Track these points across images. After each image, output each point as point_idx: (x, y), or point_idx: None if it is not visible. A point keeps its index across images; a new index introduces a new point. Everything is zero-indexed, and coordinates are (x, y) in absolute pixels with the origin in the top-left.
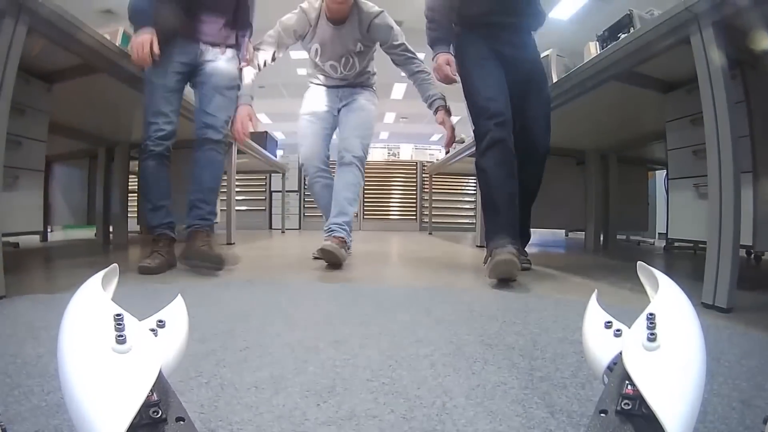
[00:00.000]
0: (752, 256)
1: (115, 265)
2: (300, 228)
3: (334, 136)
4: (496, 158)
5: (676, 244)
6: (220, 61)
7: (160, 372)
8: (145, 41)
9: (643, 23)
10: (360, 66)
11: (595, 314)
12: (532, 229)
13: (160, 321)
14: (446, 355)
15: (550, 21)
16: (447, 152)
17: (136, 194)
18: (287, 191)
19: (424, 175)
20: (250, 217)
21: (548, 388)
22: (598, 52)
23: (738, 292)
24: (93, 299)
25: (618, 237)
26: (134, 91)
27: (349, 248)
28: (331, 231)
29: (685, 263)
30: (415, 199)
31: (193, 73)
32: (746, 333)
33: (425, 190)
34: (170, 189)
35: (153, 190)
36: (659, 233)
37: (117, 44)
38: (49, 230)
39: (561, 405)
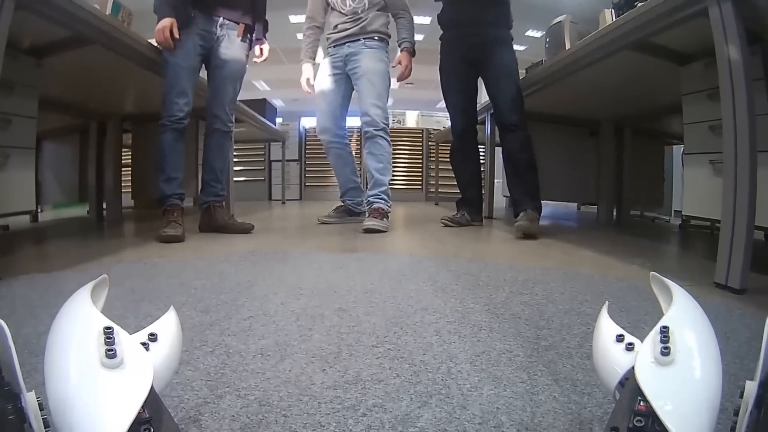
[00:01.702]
0: None
1: (105, 276)
2: (301, 198)
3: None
4: (458, 158)
5: (692, 222)
6: (234, 45)
7: (152, 388)
8: (165, 26)
9: None
10: (368, 1)
11: (606, 327)
12: (543, 201)
13: (152, 334)
14: (451, 323)
15: None
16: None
17: (129, 168)
18: (287, 160)
19: (430, 143)
20: (248, 188)
21: (553, 356)
22: (614, 19)
23: (752, 274)
24: (81, 312)
25: (632, 213)
26: (126, 61)
27: (389, 212)
28: (370, 203)
29: (700, 242)
30: (421, 168)
31: (209, 54)
32: (757, 315)
33: (431, 158)
34: (183, 162)
35: (169, 162)
36: (675, 210)
37: (107, 13)
38: (39, 210)
39: (565, 373)
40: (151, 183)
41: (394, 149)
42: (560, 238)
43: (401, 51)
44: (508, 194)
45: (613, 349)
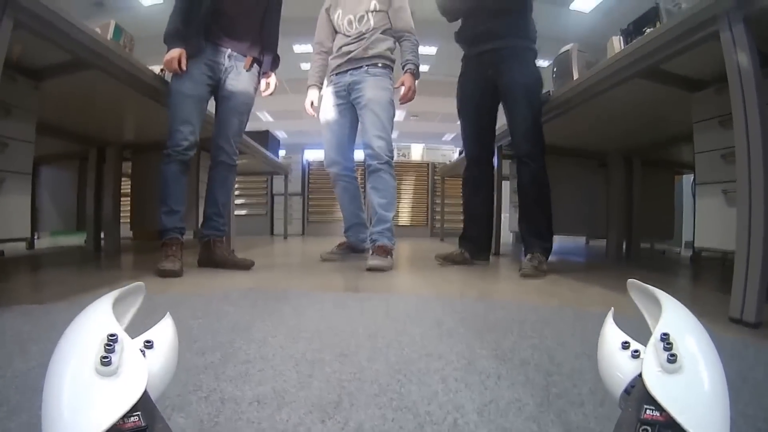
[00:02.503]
0: None
1: (141, 283)
2: (303, 233)
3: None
4: (468, 189)
5: (703, 254)
6: (242, 77)
7: (148, 396)
8: (174, 57)
9: (669, 17)
10: (374, 23)
11: (611, 334)
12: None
13: (148, 341)
14: (458, 370)
15: (570, 14)
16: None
17: (129, 198)
18: (290, 194)
19: (435, 178)
20: (250, 222)
21: (564, 405)
22: (622, 47)
23: None
24: (93, 317)
25: (642, 245)
26: (128, 88)
27: (393, 249)
28: (374, 241)
29: (712, 275)
30: (427, 203)
31: (217, 86)
32: None
33: (437, 193)
34: (186, 196)
35: (172, 195)
36: (686, 242)
37: (108, 38)
38: (35, 237)
39: (578, 423)
40: (151, 214)
41: (398, 183)
42: (568, 275)
43: (405, 72)
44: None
45: (618, 356)
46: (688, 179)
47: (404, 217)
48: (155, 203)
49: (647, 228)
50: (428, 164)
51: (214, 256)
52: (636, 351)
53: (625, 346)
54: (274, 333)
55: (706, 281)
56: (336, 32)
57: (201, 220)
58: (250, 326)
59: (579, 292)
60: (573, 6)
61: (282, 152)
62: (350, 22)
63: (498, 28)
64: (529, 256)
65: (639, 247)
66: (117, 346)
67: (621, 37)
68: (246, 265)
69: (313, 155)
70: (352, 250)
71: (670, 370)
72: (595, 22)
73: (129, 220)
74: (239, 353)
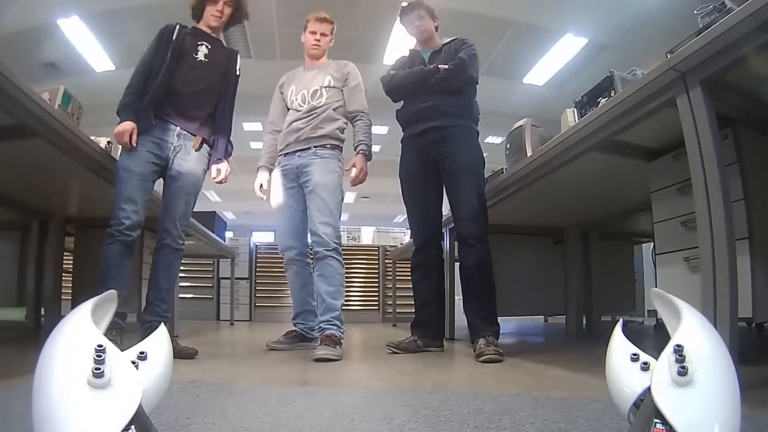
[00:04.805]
0: (753, 325)
1: (114, 291)
2: (251, 319)
3: None
4: (417, 275)
5: None
6: (190, 157)
7: (141, 408)
8: (126, 130)
9: (624, 86)
10: (327, 98)
11: (620, 346)
12: (507, 318)
13: (142, 353)
14: None
15: (524, 87)
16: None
17: (71, 274)
18: (237, 278)
19: (386, 261)
20: (195, 305)
21: None
22: (576, 119)
23: (741, 368)
24: (76, 328)
25: (603, 318)
26: (71, 161)
27: (342, 338)
28: (322, 330)
29: None
30: (378, 287)
31: (165, 166)
32: (752, 415)
33: (388, 277)
34: (128, 278)
35: (113, 277)
36: (648, 311)
37: (57, 105)
38: None
39: None
40: (94, 292)
41: (348, 268)
42: (527, 357)
43: (357, 153)
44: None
45: (627, 369)
46: (648, 248)
47: (355, 302)
48: (99, 282)
49: (607, 301)
50: (379, 247)
51: None
52: (645, 363)
53: (635, 358)
54: (214, 431)
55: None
56: (288, 109)
57: (143, 304)
58: (189, 423)
59: (538, 376)
60: (526, 80)
61: (229, 234)
62: (303, 98)
63: (444, 106)
64: (483, 341)
65: (600, 320)
66: (106, 357)
67: (575, 109)
68: (189, 354)
69: (261, 237)
70: (300, 339)
71: (680, 383)
72: (548, 95)
73: (71, 298)
74: None
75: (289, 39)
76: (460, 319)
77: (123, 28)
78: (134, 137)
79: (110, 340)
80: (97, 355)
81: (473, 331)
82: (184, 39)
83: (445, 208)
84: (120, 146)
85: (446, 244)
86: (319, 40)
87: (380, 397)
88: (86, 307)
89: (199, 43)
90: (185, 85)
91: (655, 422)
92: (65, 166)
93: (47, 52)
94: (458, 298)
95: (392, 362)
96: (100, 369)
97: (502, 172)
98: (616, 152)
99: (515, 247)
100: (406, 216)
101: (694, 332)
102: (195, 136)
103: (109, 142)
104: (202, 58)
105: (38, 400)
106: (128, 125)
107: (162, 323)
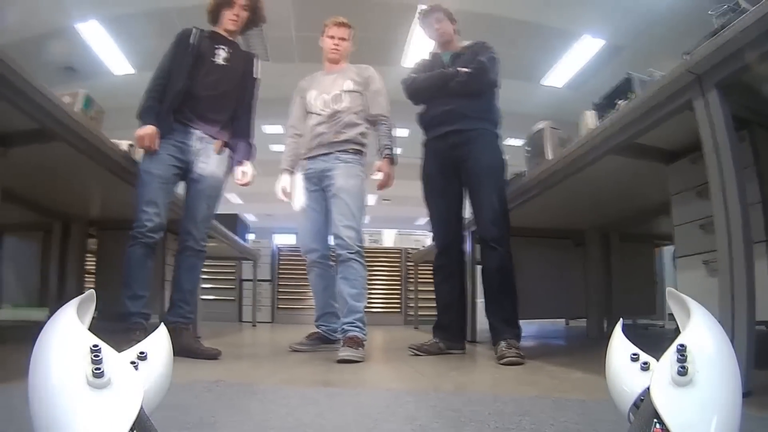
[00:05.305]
0: None
1: (92, 291)
2: (273, 321)
3: None
4: (439, 277)
5: None
6: (212, 160)
7: (142, 409)
8: (147, 134)
9: (642, 87)
10: (349, 103)
11: (620, 346)
12: (528, 320)
13: (142, 353)
14: None
15: (543, 89)
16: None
17: (93, 276)
18: (259, 280)
19: (408, 264)
20: (218, 307)
21: None
22: (595, 121)
23: (756, 372)
24: (67, 329)
25: (624, 322)
26: (93, 164)
27: (365, 340)
28: (345, 332)
29: None
30: (400, 290)
31: (187, 169)
32: (765, 417)
33: (410, 280)
34: (152, 280)
35: (136, 279)
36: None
37: (78, 108)
38: None
39: None
40: (116, 294)
41: (370, 271)
42: (548, 360)
43: (382, 158)
44: None
45: (627, 369)
46: (668, 251)
47: (377, 305)
48: (121, 283)
49: (628, 304)
50: (401, 250)
51: (178, 344)
52: (645, 363)
53: (635, 358)
54: (240, 430)
55: None
56: (309, 113)
57: (167, 305)
58: (215, 422)
59: (559, 379)
60: (545, 81)
61: (251, 236)
62: (324, 102)
63: (465, 109)
64: (504, 343)
65: None
66: (104, 357)
67: (594, 111)
68: (212, 355)
69: (283, 240)
70: (322, 341)
71: (680, 383)
72: (567, 96)
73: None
74: None
75: (307, 42)
76: (482, 321)
77: (141, 32)
78: (156, 141)
79: (133, 341)
80: (94, 355)
81: (495, 333)
82: (202, 43)
83: (467, 211)
84: (141, 149)
85: (468, 246)
86: (338, 45)
87: (402, 398)
88: (71, 308)
89: (217, 46)
90: (204, 88)
91: (655, 422)
92: (87, 169)
93: (66, 55)
94: (480, 301)
95: (414, 364)
96: (99, 369)
97: (524, 175)
98: (635, 155)
99: (536, 249)
100: (427, 218)
101: (700, 332)
102: (216, 139)
103: (131, 145)
104: (221, 62)
105: (37, 403)
106: (150, 129)
107: (175, 324)
